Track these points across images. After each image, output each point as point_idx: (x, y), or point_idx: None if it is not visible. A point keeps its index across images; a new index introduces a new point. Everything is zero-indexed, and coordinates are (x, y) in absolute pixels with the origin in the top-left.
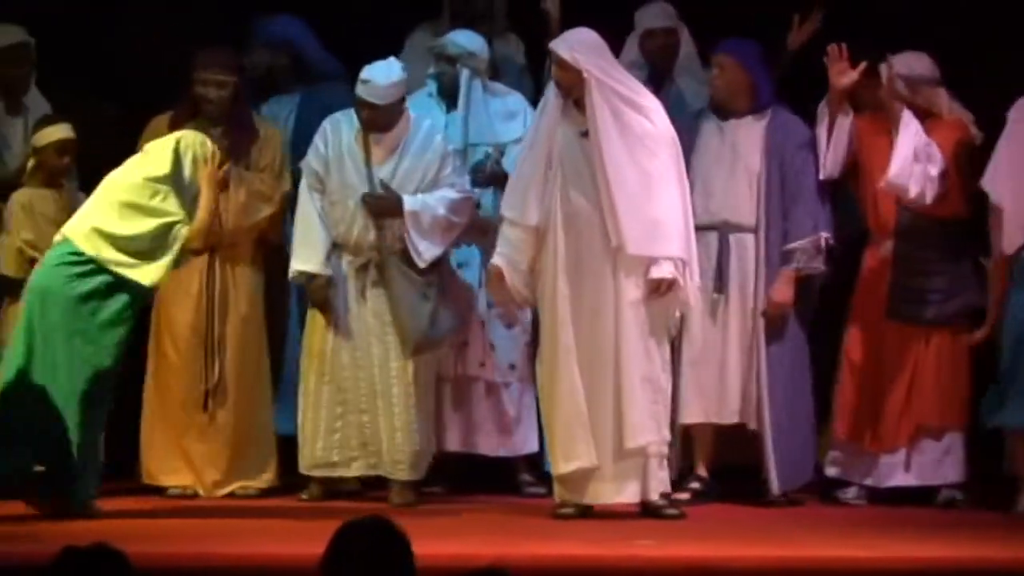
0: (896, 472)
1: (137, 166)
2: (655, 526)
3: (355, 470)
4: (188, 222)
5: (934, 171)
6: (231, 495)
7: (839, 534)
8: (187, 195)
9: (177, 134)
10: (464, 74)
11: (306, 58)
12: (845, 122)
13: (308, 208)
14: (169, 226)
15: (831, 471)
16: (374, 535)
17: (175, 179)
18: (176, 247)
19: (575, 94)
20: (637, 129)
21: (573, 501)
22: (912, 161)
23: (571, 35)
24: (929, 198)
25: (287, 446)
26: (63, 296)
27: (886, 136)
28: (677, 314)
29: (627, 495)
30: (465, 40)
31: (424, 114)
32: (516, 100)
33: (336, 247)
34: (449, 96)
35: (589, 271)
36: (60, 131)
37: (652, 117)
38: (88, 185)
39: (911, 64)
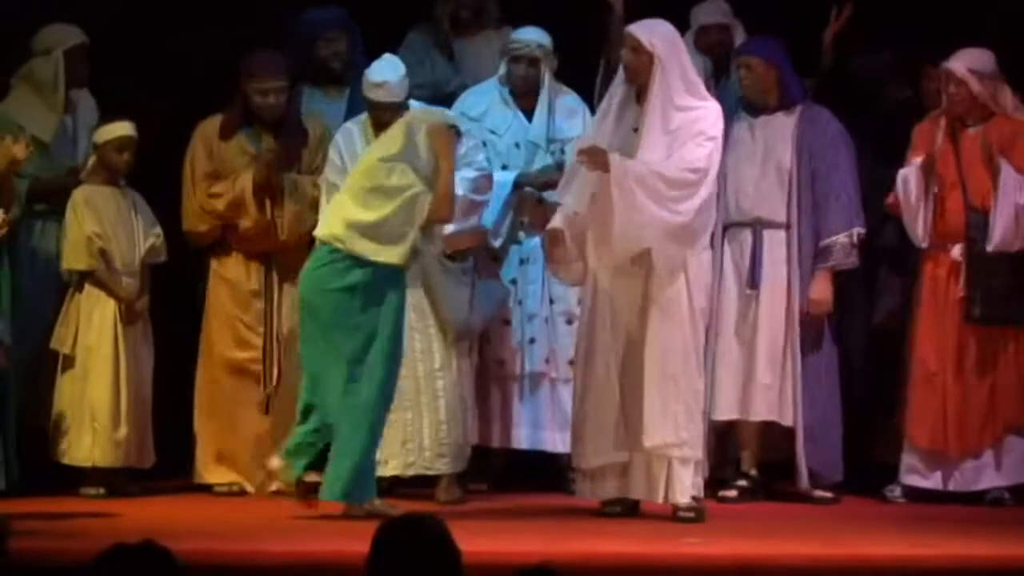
0: (985, 474)
1: (372, 151)
2: (702, 524)
3: (391, 469)
4: (428, 192)
5: None
6: (278, 492)
7: (884, 531)
8: (424, 169)
9: (409, 112)
10: (546, 74)
11: (357, 48)
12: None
13: None
14: (411, 200)
15: (911, 480)
16: (418, 532)
17: (408, 154)
18: (419, 219)
19: (640, 80)
20: (684, 127)
21: (604, 497)
22: (1014, 223)
23: (652, 23)
24: None
25: None
26: (328, 295)
27: (949, 143)
28: (703, 305)
29: (650, 493)
30: (544, 38)
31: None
32: (574, 99)
33: None
34: (524, 95)
35: (625, 268)
36: (121, 128)
37: (704, 116)
38: (136, 184)
39: (980, 60)
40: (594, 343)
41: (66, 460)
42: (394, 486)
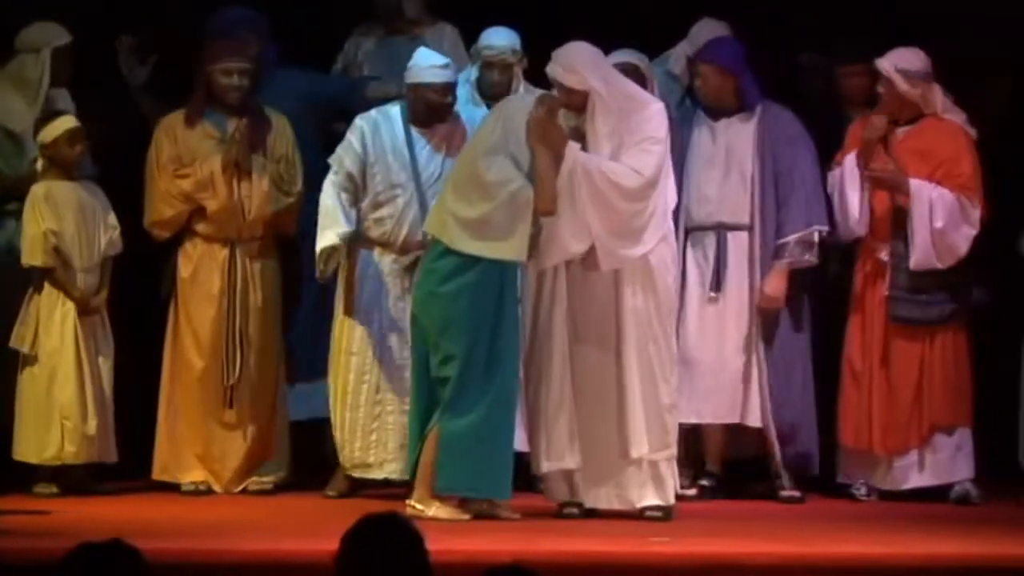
0: (911, 474)
1: (471, 144)
2: (668, 523)
3: (388, 472)
4: (530, 186)
5: (971, 231)
6: (245, 490)
7: (852, 530)
8: (525, 159)
9: (502, 102)
10: (519, 76)
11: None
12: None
13: (332, 202)
14: (512, 196)
15: (842, 477)
16: (386, 531)
17: (507, 144)
18: (527, 211)
19: (581, 105)
20: (629, 129)
21: (569, 501)
22: (932, 248)
23: (567, 56)
24: (967, 250)
25: (298, 438)
26: (440, 296)
27: (880, 141)
28: (672, 314)
29: (622, 502)
30: (515, 41)
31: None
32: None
33: (380, 246)
34: (494, 98)
35: (595, 276)
36: (67, 122)
37: (648, 118)
38: (114, 182)
39: (908, 59)
40: (553, 350)
41: (34, 459)
42: (361, 486)
